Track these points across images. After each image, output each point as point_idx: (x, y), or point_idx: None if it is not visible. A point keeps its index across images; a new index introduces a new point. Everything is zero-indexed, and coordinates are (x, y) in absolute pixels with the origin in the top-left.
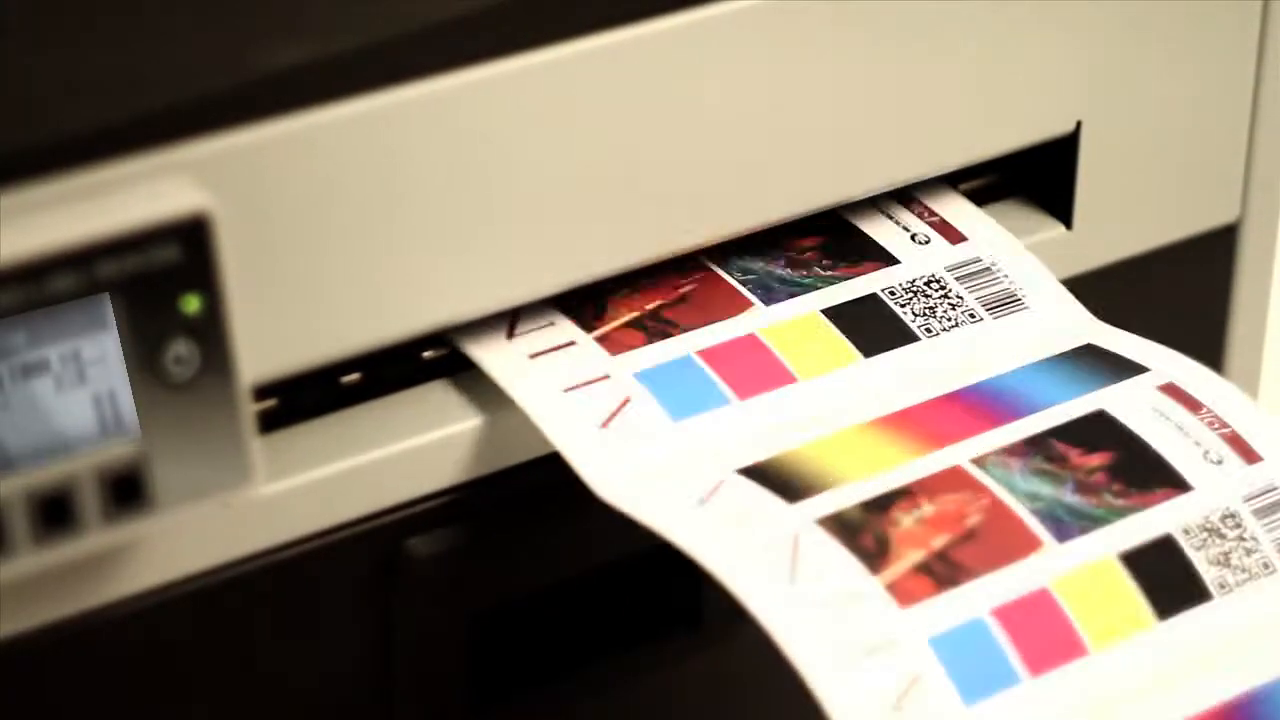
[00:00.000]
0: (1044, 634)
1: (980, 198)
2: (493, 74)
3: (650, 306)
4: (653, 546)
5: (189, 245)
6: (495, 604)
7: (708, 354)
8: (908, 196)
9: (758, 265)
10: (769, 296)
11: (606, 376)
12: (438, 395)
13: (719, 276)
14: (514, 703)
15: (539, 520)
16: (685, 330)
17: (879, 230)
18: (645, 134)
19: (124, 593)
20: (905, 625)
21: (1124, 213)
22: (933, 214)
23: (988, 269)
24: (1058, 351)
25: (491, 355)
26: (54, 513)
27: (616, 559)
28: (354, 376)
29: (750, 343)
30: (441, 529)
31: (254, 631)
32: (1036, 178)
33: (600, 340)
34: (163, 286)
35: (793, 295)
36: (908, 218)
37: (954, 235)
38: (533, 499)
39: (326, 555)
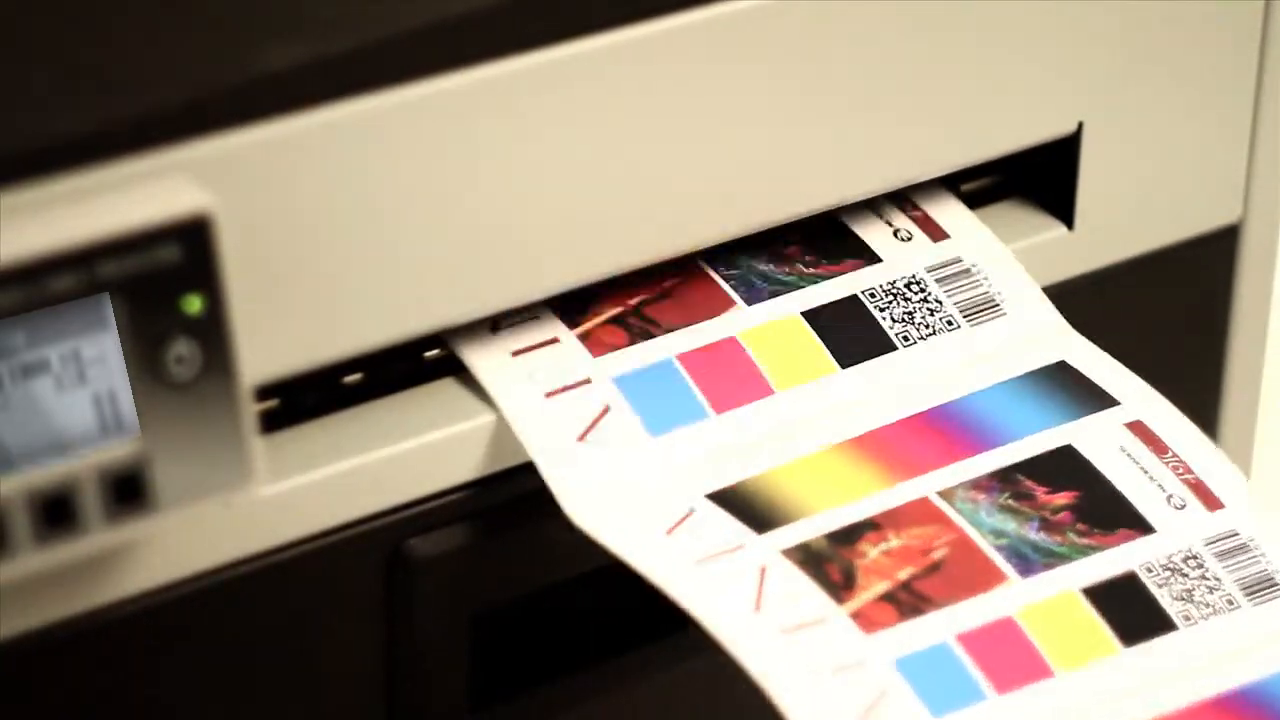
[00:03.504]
0: (1009, 657)
1: (981, 199)
2: (493, 74)
3: (633, 302)
4: None
5: (190, 245)
6: (496, 604)
7: (688, 359)
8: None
9: (741, 260)
10: (751, 294)
11: (588, 380)
12: (439, 395)
13: (703, 272)
14: (514, 703)
15: (540, 521)
16: (667, 330)
17: (862, 224)
18: (644, 136)
19: (125, 593)
20: (871, 648)
21: (1126, 213)
22: (916, 208)
23: (967, 270)
24: (1032, 368)
25: (478, 354)
26: (55, 513)
27: (617, 560)
28: (355, 376)
29: (730, 347)
30: (443, 529)
31: (254, 632)
32: (1038, 178)
33: (583, 338)
34: (164, 286)
35: (775, 294)
36: (892, 212)
37: (936, 232)
38: (534, 500)
39: (328, 556)
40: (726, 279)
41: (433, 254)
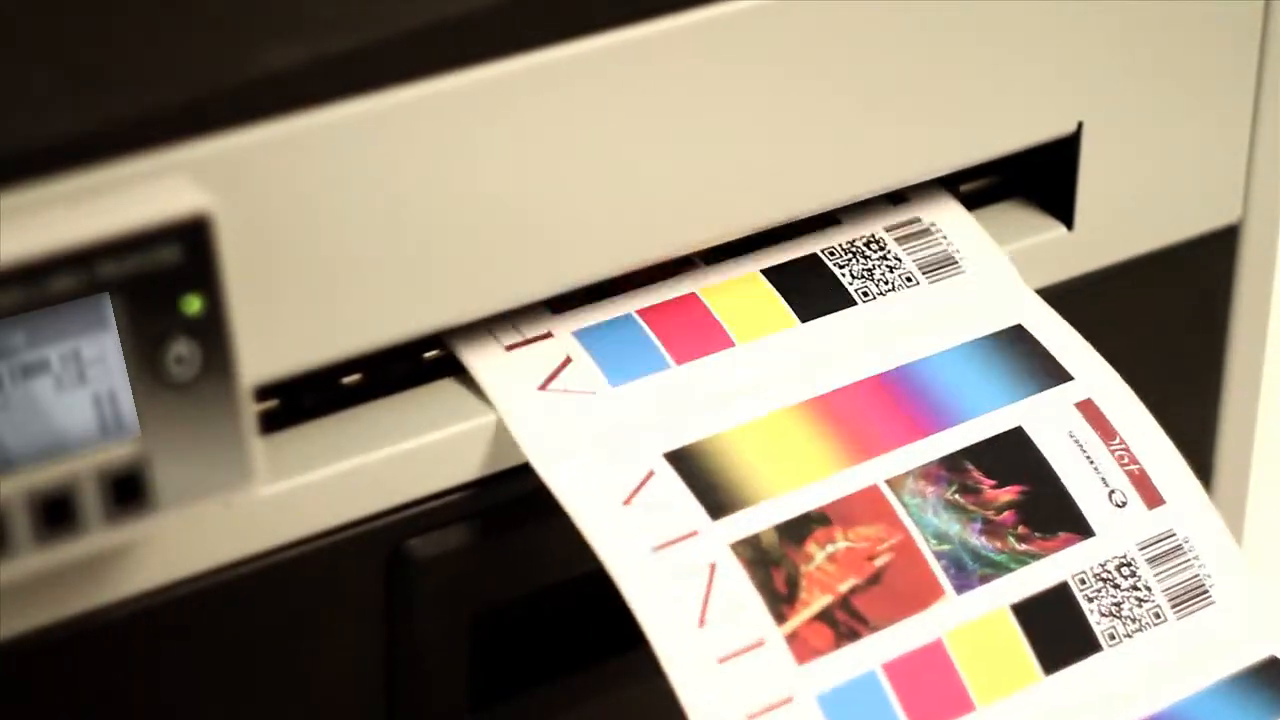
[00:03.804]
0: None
1: (981, 199)
2: (493, 74)
3: (843, 589)
4: None
5: (190, 245)
6: (496, 605)
7: (892, 669)
8: (1109, 429)
9: (955, 530)
10: (962, 581)
11: (790, 700)
12: (439, 396)
13: (915, 548)
14: (514, 703)
15: (540, 521)
16: (874, 629)
17: (1078, 480)
18: (644, 135)
19: (124, 593)
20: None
21: (1125, 214)
22: (1133, 460)
23: (1179, 548)
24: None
25: (679, 653)
26: (55, 513)
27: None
28: (355, 377)
29: (936, 654)
30: (443, 530)
31: (254, 632)
32: (1038, 179)
33: (790, 639)
34: (164, 287)
35: (985, 579)
36: (1107, 463)
37: (1152, 496)
38: (534, 500)
39: (327, 556)
40: (938, 556)
41: (433, 254)
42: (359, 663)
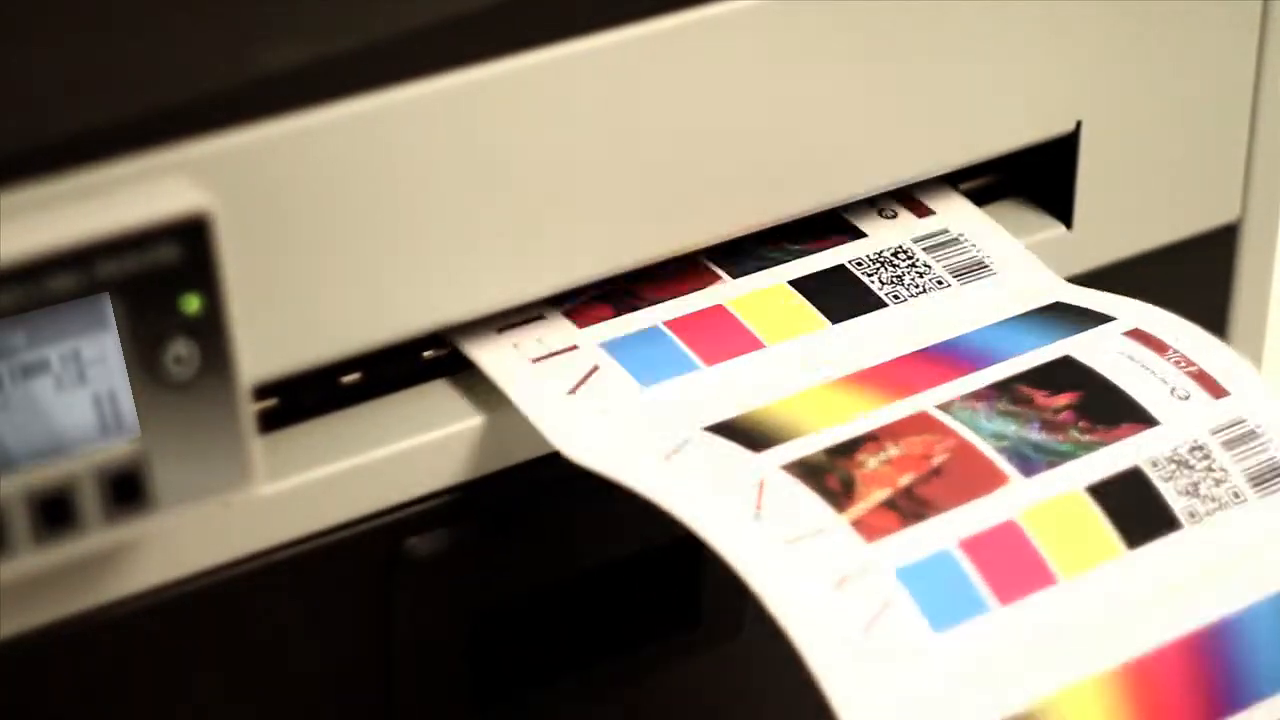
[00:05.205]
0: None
1: (981, 198)
2: (493, 74)
3: (903, 483)
4: (653, 546)
5: (189, 245)
6: (495, 604)
7: (968, 546)
8: (1162, 345)
9: (1011, 429)
10: (1027, 467)
11: (868, 570)
12: (438, 395)
13: (972, 447)
14: (514, 703)
15: (539, 520)
16: (941, 512)
17: (1136, 384)
18: (645, 133)
19: (124, 592)
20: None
21: (1124, 212)
22: (1190, 363)
23: (1253, 432)
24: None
25: (739, 542)
26: (54, 512)
27: (616, 558)
28: (354, 376)
29: (1011, 533)
30: (442, 529)
31: (254, 631)
32: (1037, 177)
33: (855, 524)
34: (163, 286)
35: (1052, 465)
36: (1165, 368)
37: (1215, 389)
38: (533, 498)
39: (327, 555)
40: (999, 450)
41: (433, 253)
42: (359, 662)
